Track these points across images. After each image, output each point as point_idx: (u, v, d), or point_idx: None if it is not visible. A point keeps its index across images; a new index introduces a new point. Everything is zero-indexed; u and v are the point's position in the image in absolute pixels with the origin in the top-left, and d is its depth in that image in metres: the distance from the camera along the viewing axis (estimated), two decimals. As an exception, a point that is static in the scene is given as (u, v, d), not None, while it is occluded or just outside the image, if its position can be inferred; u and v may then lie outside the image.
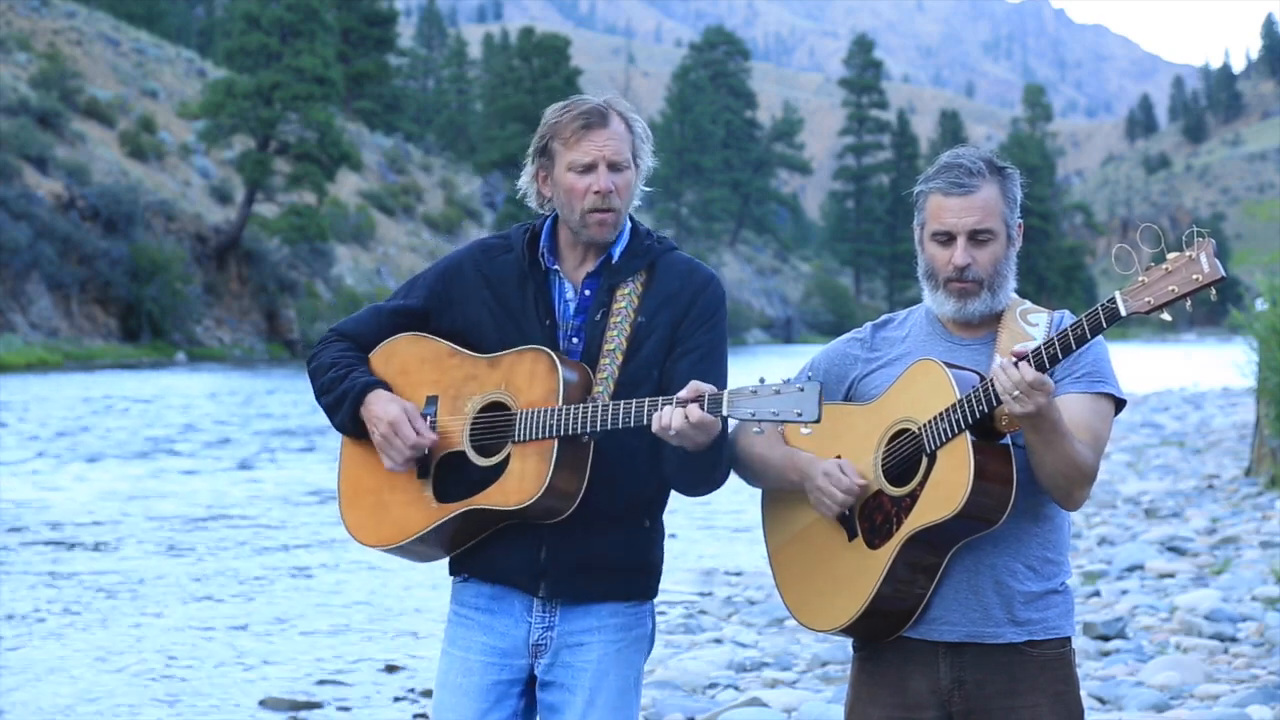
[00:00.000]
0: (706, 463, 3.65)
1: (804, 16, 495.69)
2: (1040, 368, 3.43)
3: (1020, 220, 3.73)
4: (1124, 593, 10.51)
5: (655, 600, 3.88)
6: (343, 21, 78.61)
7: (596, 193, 3.68)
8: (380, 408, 3.72)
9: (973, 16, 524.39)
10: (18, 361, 42.97)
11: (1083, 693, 4.31)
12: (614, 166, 3.71)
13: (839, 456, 3.70)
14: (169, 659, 9.47)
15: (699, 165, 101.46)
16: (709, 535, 14.82)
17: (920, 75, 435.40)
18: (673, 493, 3.85)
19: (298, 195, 59.32)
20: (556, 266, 3.79)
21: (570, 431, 3.59)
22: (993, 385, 3.46)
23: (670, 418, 3.50)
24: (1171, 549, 12.28)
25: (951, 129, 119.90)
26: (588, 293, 3.77)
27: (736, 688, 8.24)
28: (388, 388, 3.78)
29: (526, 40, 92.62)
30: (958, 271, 3.66)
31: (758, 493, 3.93)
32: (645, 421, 3.55)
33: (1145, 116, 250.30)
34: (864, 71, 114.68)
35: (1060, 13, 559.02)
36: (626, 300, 3.74)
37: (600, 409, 3.58)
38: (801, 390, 3.45)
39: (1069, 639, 3.73)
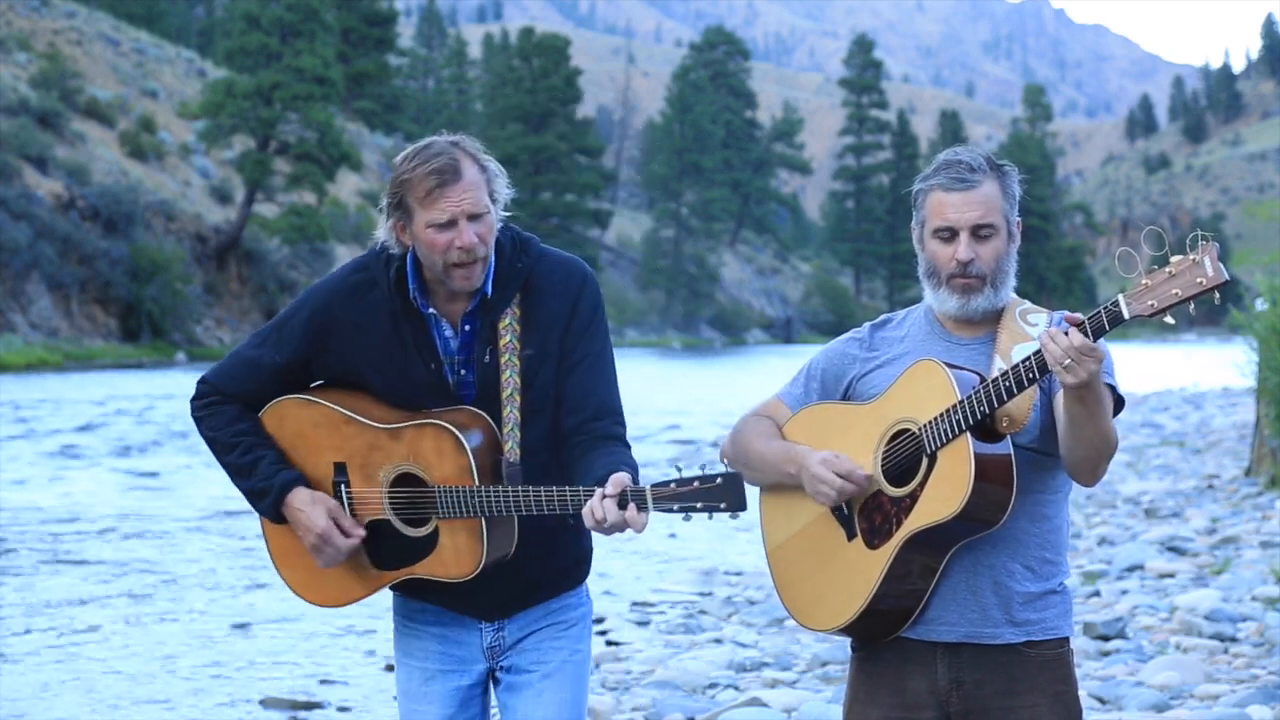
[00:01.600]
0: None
1: (804, 16, 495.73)
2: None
3: (1019, 219, 3.74)
4: (1124, 593, 10.51)
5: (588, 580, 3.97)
6: (343, 21, 78.70)
7: (460, 248, 3.62)
8: (306, 516, 3.71)
9: (973, 16, 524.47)
10: (18, 361, 42.98)
11: (1082, 693, 4.31)
12: (474, 218, 3.63)
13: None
14: (169, 659, 9.47)
15: (699, 165, 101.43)
16: (709, 535, 14.80)
17: (920, 75, 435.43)
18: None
19: (298, 195, 59.37)
20: (432, 311, 3.73)
21: (494, 514, 3.62)
22: (1039, 356, 3.43)
23: (605, 513, 3.51)
24: (1171, 549, 12.28)
25: (951, 129, 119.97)
26: (468, 328, 3.74)
27: (736, 688, 8.23)
28: (305, 481, 3.75)
29: (526, 40, 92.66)
30: (961, 267, 3.65)
31: (756, 491, 3.93)
32: (569, 510, 3.57)
33: (1145, 116, 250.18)
34: (864, 71, 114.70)
35: (1060, 13, 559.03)
36: (509, 333, 3.71)
37: (522, 496, 3.59)
38: (721, 483, 3.50)
39: (1067, 639, 3.73)
